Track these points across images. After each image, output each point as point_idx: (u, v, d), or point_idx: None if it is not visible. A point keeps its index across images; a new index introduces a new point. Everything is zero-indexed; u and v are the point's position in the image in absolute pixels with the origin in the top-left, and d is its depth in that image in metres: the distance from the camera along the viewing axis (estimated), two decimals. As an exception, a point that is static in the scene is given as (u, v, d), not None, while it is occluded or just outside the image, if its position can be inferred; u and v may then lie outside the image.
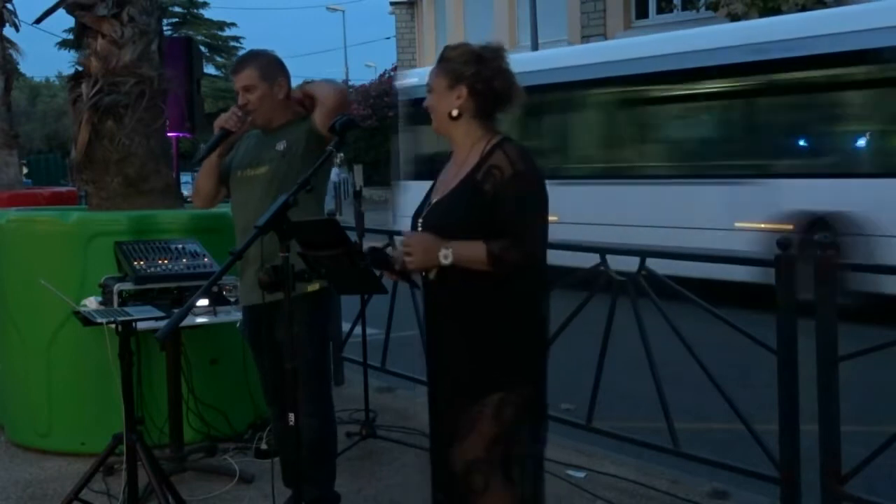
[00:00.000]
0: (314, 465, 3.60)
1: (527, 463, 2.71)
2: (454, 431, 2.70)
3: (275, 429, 3.96)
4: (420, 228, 2.78)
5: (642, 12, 19.12)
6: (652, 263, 4.37)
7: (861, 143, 8.28)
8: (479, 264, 2.61)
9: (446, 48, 2.85)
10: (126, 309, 3.91)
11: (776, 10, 12.46)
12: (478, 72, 2.74)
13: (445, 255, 2.62)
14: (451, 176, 2.79)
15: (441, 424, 2.79)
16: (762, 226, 7.44)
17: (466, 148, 2.78)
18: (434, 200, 2.80)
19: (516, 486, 2.67)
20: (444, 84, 2.77)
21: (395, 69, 33.53)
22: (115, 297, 4.12)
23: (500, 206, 2.63)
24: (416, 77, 12.82)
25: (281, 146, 3.65)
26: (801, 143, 8.78)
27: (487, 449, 2.65)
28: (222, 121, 3.67)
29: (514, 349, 2.69)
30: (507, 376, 2.67)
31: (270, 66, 3.74)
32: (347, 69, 44.18)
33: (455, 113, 2.77)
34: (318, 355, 3.69)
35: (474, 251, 2.61)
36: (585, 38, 19.32)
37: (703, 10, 15.41)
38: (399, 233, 6.09)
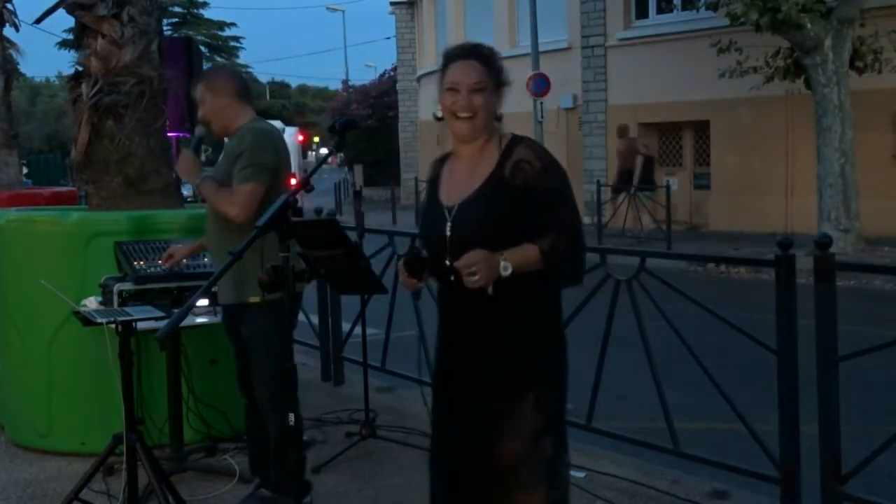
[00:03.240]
0: (279, 455, 3.65)
1: (564, 457, 2.72)
2: (491, 432, 2.66)
3: (245, 417, 4.05)
4: (449, 233, 2.68)
5: (642, 12, 19.07)
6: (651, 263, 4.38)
7: None
8: (534, 265, 2.61)
9: (481, 46, 2.76)
10: (126, 309, 3.91)
11: (776, 10, 12.41)
12: (503, 70, 2.74)
13: (505, 267, 2.58)
14: (465, 177, 2.72)
15: (463, 428, 2.73)
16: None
17: (476, 147, 2.73)
18: (457, 203, 2.70)
19: (556, 479, 2.67)
20: (492, 84, 2.72)
21: (394, 69, 33.57)
22: (115, 297, 4.12)
23: (534, 199, 2.61)
24: None
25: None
26: None
27: (535, 442, 2.64)
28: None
29: (545, 347, 2.69)
30: (541, 372, 2.67)
31: (215, 75, 4.04)
32: (347, 69, 44.27)
33: (499, 114, 2.75)
34: (274, 353, 3.67)
35: (527, 254, 2.60)
36: (585, 38, 19.30)
37: (702, 10, 15.35)
38: (399, 232, 6.09)
